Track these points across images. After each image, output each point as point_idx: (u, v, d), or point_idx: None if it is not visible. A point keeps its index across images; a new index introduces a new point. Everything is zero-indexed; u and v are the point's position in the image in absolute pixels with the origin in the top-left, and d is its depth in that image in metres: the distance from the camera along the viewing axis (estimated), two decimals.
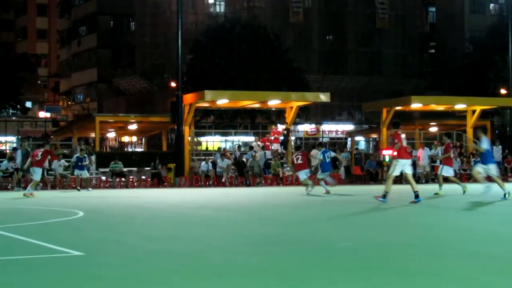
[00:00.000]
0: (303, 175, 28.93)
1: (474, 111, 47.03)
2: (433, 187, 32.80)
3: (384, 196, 20.63)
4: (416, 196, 20.75)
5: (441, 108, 49.66)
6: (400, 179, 39.36)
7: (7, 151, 44.57)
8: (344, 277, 8.20)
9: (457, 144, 44.56)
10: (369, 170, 43.65)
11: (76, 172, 36.06)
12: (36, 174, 29.89)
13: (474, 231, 13.80)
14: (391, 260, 9.70)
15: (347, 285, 7.66)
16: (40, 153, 29.86)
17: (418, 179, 42.20)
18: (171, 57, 62.24)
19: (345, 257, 9.93)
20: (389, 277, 8.26)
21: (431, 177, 42.14)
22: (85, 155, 36.36)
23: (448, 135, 29.78)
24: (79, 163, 35.94)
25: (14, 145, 47.53)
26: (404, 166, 21.18)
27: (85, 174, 35.57)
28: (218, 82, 51.45)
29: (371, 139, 57.74)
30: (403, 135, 21.56)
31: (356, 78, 75.64)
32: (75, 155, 36.90)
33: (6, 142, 63.10)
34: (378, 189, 30.16)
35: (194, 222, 16.26)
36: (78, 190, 33.84)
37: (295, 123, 58.64)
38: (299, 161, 28.81)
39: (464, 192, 26.12)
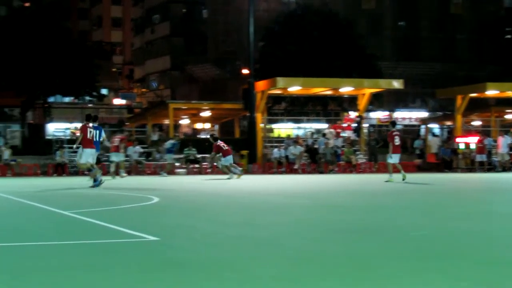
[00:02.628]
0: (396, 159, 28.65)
1: None
2: (511, 176, 32.36)
3: None
4: None
5: None
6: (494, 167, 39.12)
7: None
8: (419, 266, 8.15)
9: None
10: (443, 158, 43.15)
11: (168, 156, 36.90)
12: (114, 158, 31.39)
13: None
14: (467, 249, 9.60)
15: (423, 274, 7.62)
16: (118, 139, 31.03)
17: (494, 167, 41.69)
18: (243, 44, 62.44)
19: (421, 245, 9.84)
20: (465, 266, 8.18)
21: (508, 165, 41.53)
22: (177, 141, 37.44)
23: None
24: (172, 149, 36.92)
25: None
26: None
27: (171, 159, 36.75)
28: (290, 69, 51.38)
29: (445, 126, 57.02)
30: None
31: (430, 65, 74.84)
32: (170, 141, 37.66)
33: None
34: (454, 177, 29.97)
35: (268, 208, 16.29)
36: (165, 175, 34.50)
37: (368, 110, 58.28)
38: (397, 143, 28.49)
39: None
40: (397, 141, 28.03)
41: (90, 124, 24.13)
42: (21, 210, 15.88)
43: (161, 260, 8.53)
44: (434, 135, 47.29)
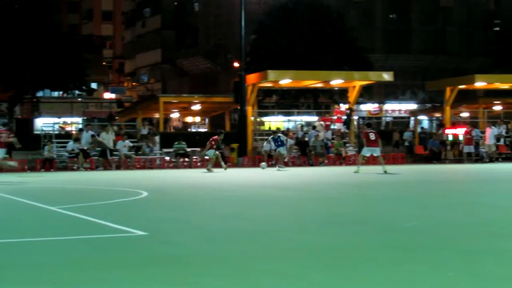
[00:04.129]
0: (377, 152, 29.77)
1: None
2: (498, 167, 32.50)
3: None
4: None
5: (506, 86, 48.91)
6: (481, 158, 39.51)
7: (73, 132, 45.25)
8: (408, 257, 8.21)
9: None
10: (432, 149, 43.26)
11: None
12: None
13: None
14: (453, 239, 9.66)
15: (411, 265, 7.66)
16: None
17: (481, 158, 41.94)
18: (234, 37, 62.37)
19: (409, 237, 9.90)
20: (451, 256, 8.23)
21: (496, 156, 41.78)
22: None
23: None
24: None
25: (80, 126, 48.24)
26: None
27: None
28: (281, 62, 51.37)
29: (434, 118, 57.20)
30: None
31: (420, 57, 75.01)
32: None
33: (72, 123, 64.14)
34: (442, 168, 30.06)
35: (258, 201, 16.31)
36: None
37: (358, 103, 58.37)
38: (372, 138, 29.21)
39: None
40: (372, 136, 29.32)
41: None
42: (8, 205, 15.87)
43: (150, 255, 8.52)
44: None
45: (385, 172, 28.03)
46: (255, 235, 10.41)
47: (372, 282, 6.83)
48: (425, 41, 76.63)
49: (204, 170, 33.08)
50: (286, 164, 37.64)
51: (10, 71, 49.75)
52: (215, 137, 33.93)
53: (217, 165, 33.21)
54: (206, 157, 34.86)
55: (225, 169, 33.22)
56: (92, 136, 37.56)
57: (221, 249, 8.96)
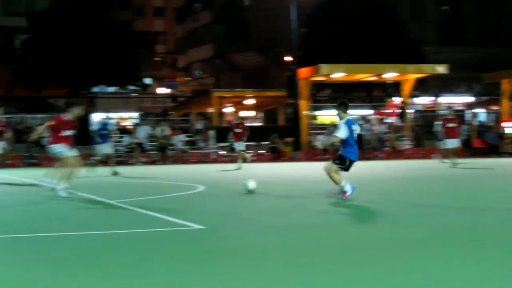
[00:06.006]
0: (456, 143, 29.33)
1: None
2: None
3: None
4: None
5: None
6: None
7: (129, 127, 45.63)
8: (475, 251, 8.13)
9: None
10: (490, 142, 42.74)
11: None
12: None
13: None
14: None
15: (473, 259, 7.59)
16: None
17: None
18: (285, 31, 62.23)
19: (471, 232, 9.81)
20: None
21: None
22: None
23: None
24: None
25: (136, 121, 48.64)
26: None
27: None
28: (333, 55, 51.15)
29: (491, 111, 56.48)
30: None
31: (475, 49, 74.10)
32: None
33: (127, 118, 64.67)
34: (500, 162, 29.61)
35: (312, 195, 16.23)
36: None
37: (412, 96, 57.86)
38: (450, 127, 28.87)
39: None
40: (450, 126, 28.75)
41: None
42: (69, 200, 16.00)
43: (207, 248, 8.60)
44: None
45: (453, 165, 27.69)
46: (306, 229, 10.38)
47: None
48: (478, 33, 75.73)
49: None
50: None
51: (66, 68, 50.36)
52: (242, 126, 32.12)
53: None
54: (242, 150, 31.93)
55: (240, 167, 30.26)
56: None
57: (272, 244, 8.97)
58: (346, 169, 14.51)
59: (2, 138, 24.41)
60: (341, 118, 14.78)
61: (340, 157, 14.58)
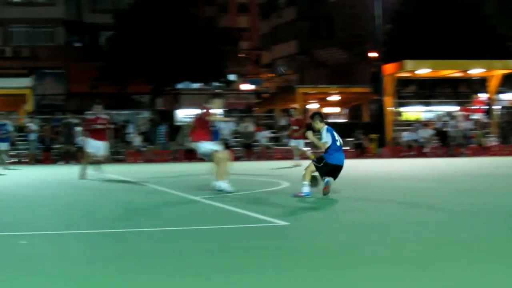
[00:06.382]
0: None
1: None
2: None
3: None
4: None
5: None
6: None
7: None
8: None
9: None
10: None
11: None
12: None
13: None
14: None
15: None
16: None
17: None
18: (370, 27, 61.95)
19: None
20: None
21: None
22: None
23: None
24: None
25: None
26: None
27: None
28: (418, 51, 50.73)
29: None
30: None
31: None
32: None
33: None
34: None
35: (396, 192, 16.20)
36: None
37: (499, 92, 56.98)
38: None
39: None
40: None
41: None
42: (154, 196, 16.25)
43: (291, 245, 8.61)
44: None
45: None
46: (390, 225, 10.39)
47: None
48: None
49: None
50: (426, 155, 37.24)
51: (151, 65, 51.02)
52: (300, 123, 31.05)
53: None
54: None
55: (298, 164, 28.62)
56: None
57: (360, 240, 8.95)
58: (328, 173, 14.59)
59: (104, 138, 22.86)
60: (318, 128, 14.99)
61: (320, 157, 14.80)
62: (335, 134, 14.98)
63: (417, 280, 6.53)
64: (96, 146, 22.29)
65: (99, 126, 22.30)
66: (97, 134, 22.35)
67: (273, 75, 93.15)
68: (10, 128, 29.26)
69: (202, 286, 6.47)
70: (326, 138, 14.85)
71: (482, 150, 40.35)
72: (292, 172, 24.70)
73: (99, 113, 22.88)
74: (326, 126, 15.04)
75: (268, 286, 6.41)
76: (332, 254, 8.02)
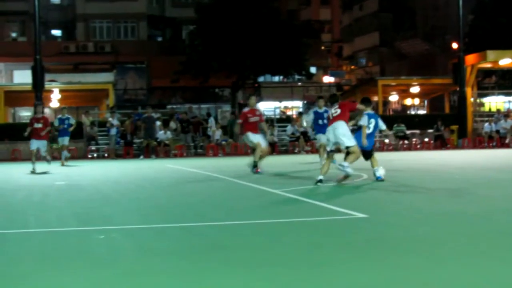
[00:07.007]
0: None
1: None
2: None
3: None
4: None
5: None
6: None
7: (294, 116, 46.22)
8: None
9: None
10: None
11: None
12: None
13: None
14: None
15: None
16: None
17: None
18: (452, 18, 61.41)
19: None
20: None
21: None
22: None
23: None
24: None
25: (301, 109, 49.27)
26: None
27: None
28: (500, 42, 50.12)
29: None
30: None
31: None
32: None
33: (292, 107, 65.64)
34: None
35: (478, 183, 16.21)
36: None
37: None
38: None
39: None
40: None
41: None
42: (236, 190, 16.50)
43: (371, 237, 8.71)
44: None
45: None
46: (472, 216, 10.41)
47: None
48: None
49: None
50: (508, 146, 36.89)
51: (232, 58, 51.31)
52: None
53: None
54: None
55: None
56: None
57: (439, 232, 8.99)
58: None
59: (258, 130, 21.97)
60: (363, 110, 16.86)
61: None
62: (372, 120, 16.78)
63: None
64: (258, 138, 21.59)
65: (253, 119, 21.50)
66: (253, 127, 21.66)
67: (355, 67, 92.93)
68: (72, 121, 29.79)
69: (310, 278, 6.59)
70: (362, 121, 16.77)
71: None
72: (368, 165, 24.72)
73: (254, 106, 22.24)
74: (369, 112, 16.88)
75: (356, 280, 6.49)
76: (407, 246, 8.08)
